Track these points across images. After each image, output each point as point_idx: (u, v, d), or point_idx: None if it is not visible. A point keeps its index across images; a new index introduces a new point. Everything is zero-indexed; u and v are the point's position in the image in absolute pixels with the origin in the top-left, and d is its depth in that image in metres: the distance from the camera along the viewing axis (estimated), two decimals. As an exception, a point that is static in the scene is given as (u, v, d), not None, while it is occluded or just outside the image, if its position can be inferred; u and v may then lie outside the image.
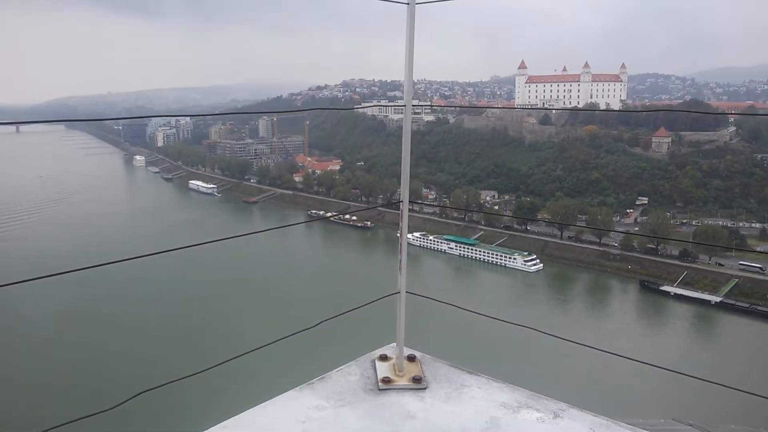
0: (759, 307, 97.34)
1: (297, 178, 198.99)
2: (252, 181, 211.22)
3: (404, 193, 3.61)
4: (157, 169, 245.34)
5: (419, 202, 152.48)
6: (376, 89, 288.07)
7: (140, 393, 3.65)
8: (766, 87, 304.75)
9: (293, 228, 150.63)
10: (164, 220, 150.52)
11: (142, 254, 3.97)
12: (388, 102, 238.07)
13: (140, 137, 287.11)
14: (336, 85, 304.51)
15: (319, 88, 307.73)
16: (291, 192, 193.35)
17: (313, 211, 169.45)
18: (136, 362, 66.30)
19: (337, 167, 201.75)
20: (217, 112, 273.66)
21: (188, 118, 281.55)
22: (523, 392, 3.22)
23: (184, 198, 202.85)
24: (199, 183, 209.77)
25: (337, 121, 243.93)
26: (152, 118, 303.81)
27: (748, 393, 4.82)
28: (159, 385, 3.78)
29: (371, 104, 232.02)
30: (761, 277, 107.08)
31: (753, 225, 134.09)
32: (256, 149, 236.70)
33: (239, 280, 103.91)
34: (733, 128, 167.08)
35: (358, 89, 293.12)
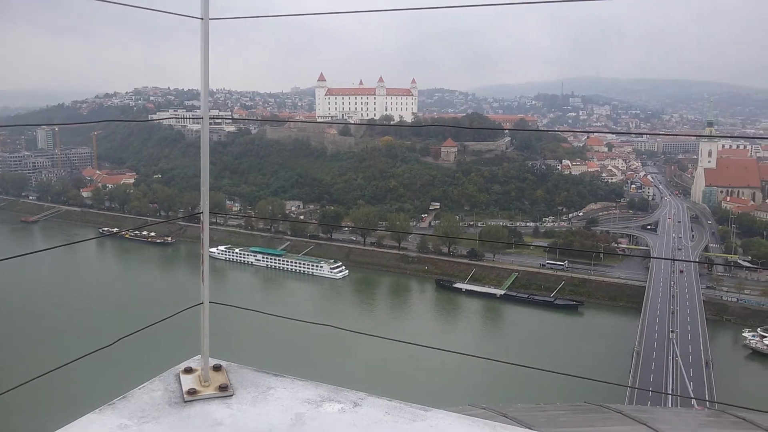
0: (536, 297, 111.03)
1: (85, 194, 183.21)
2: (31, 198, 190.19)
3: (204, 204, 3.67)
4: None
5: (221, 213, 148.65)
6: (172, 98, 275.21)
7: None
8: (533, 102, 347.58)
9: (84, 249, 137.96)
10: None
11: None
12: (186, 111, 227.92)
13: None
14: (127, 93, 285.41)
15: (107, 95, 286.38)
16: (79, 209, 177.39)
17: (106, 229, 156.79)
18: None
19: (132, 180, 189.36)
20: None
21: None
22: (326, 387, 3.41)
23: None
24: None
25: (130, 132, 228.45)
26: None
27: (534, 368, 5.86)
28: None
29: (168, 116, 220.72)
30: (535, 270, 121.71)
31: (528, 224, 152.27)
32: (34, 162, 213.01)
33: (23, 306, 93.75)
34: (508, 138, 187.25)
35: (152, 97, 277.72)
